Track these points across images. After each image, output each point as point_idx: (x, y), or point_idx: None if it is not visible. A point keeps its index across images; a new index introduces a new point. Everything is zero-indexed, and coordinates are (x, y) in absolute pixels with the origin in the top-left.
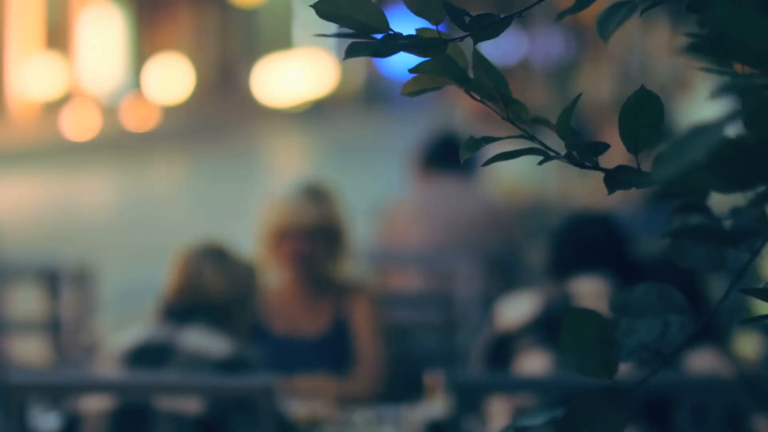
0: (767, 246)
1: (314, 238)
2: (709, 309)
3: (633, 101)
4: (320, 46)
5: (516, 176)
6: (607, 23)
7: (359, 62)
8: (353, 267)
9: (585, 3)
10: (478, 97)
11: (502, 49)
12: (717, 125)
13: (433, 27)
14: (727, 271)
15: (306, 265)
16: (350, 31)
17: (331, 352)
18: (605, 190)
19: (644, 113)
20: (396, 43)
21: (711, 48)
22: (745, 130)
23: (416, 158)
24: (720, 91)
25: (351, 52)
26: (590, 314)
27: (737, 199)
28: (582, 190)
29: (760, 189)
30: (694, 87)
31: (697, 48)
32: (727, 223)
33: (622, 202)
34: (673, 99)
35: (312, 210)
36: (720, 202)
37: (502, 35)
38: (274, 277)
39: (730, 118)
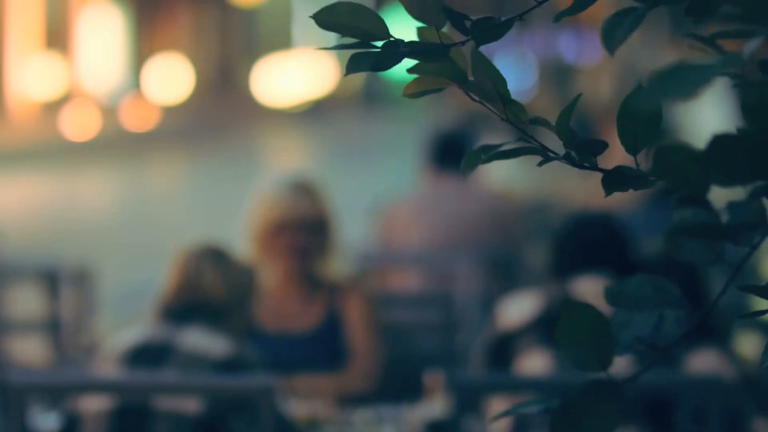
0: (766, 241)
1: (309, 231)
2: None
3: (631, 100)
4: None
5: (508, 178)
6: (613, 35)
7: None
8: (342, 264)
9: (584, 4)
10: (477, 99)
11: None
12: (707, 66)
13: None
14: (726, 266)
15: (301, 258)
16: (351, 40)
17: (324, 346)
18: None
19: (642, 112)
20: (398, 52)
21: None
22: (744, 124)
23: (424, 157)
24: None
25: (352, 67)
26: (587, 308)
27: (736, 192)
28: (582, 189)
29: (759, 183)
30: None
31: (699, 6)
32: (725, 218)
33: (623, 202)
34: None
35: (306, 203)
36: (719, 195)
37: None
38: (267, 275)
39: (721, 62)
